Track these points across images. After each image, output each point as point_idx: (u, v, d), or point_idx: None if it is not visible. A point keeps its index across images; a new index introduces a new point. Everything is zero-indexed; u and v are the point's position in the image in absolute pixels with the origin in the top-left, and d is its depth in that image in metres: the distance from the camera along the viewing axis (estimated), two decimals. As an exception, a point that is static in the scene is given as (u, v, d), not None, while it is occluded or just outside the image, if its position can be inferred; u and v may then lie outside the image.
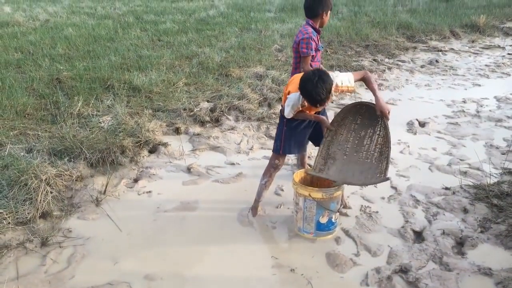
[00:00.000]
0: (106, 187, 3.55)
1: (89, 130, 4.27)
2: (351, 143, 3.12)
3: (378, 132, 3.05)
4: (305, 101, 2.79)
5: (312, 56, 3.43)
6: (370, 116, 3.05)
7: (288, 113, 2.96)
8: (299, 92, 2.76)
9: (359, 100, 3.08)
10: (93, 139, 4.04)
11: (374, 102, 2.89)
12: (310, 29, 3.39)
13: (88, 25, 9.80)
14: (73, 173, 3.60)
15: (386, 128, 2.93)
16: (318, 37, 3.44)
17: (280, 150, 3.22)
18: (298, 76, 2.89)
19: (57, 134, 4.16)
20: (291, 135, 3.18)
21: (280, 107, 3.28)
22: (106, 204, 3.40)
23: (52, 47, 7.62)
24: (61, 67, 6.28)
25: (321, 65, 3.67)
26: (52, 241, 2.91)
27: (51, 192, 3.28)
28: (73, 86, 5.48)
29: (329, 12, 3.40)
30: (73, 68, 6.22)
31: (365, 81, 2.97)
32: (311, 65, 3.47)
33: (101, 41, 8.21)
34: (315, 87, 2.60)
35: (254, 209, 3.33)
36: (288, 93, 2.94)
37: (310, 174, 3.12)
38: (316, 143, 3.44)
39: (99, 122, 4.45)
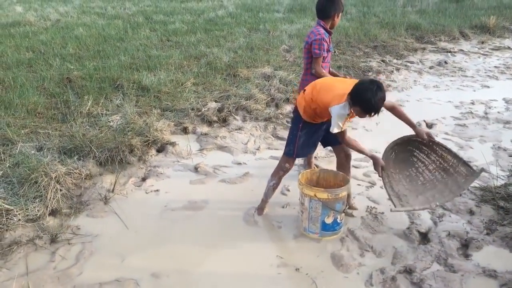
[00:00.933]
0: (114, 186, 3.60)
1: (98, 129, 4.33)
2: (409, 177, 3.21)
3: (427, 157, 3.20)
4: (350, 110, 2.79)
5: (323, 57, 3.47)
6: (407, 148, 3.21)
7: (337, 127, 2.84)
8: (343, 103, 2.74)
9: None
10: (102, 138, 4.09)
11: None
12: (322, 30, 3.45)
13: (98, 25, 9.90)
14: (82, 172, 3.66)
15: (438, 144, 3.09)
16: (330, 39, 3.50)
17: (293, 155, 3.21)
18: (331, 85, 2.91)
19: (67, 133, 4.22)
20: (305, 140, 3.17)
21: (292, 110, 3.31)
22: (114, 202, 3.45)
23: (62, 46, 7.71)
24: (72, 67, 6.36)
25: (330, 68, 3.71)
26: (61, 238, 2.96)
27: (60, 190, 3.33)
28: (83, 86, 5.56)
29: (340, 14, 3.45)
30: (83, 68, 6.30)
31: (396, 113, 3.04)
32: (322, 67, 3.52)
33: (111, 41, 8.30)
34: (375, 96, 2.63)
35: (260, 209, 3.35)
36: (320, 105, 2.91)
37: (399, 211, 2.99)
38: (325, 144, 3.47)
39: (108, 121, 4.51)
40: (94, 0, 14.82)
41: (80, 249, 2.90)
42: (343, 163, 3.33)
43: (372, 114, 2.73)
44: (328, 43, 3.47)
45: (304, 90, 3.08)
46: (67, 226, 3.11)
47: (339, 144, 3.19)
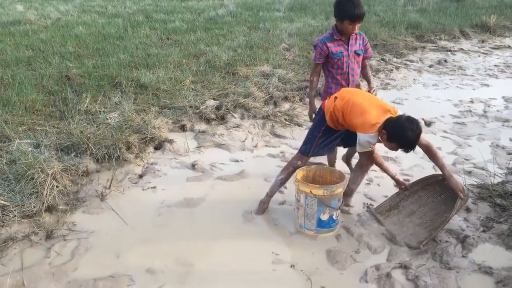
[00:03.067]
0: (111, 182, 3.60)
1: (96, 127, 4.32)
2: (423, 208, 3.23)
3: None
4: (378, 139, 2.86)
5: (333, 64, 3.36)
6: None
7: (364, 148, 2.93)
8: (373, 134, 2.80)
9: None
10: (99, 135, 4.09)
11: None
12: (327, 34, 3.35)
13: (98, 23, 9.90)
14: (79, 168, 3.66)
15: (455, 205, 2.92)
16: (340, 43, 3.31)
17: (309, 154, 3.21)
18: (364, 109, 2.86)
19: (64, 130, 4.22)
20: (324, 142, 3.18)
21: (317, 110, 3.27)
22: (111, 199, 3.45)
23: (62, 45, 7.71)
24: (71, 65, 6.36)
25: (357, 79, 3.52)
26: (57, 234, 2.96)
27: (57, 187, 3.34)
28: (81, 83, 5.56)
29: (345, 22, 3.17)
30: (82, 66, 6.29)
31: (430, 153, 2.96)
32: (333, 74, 3.41)
33: (111, 39, 8.29)
34: (414, 135, 2.72)
35: (262, 203, 3.32)
36: (350, 125, 2.94)
37: (370, 211, 3.26)
38: (345, 145, 3.47)
39: (106, 119, 4.51)
40: (95, -1, 14.83)
41: (76, 245, 2.90)
42: (365, 165, 3.25)
43: (409, 151, 2.81)
44: (329, 49, 3.30)
45: (336, 97, 3.02)
46: (63, 223, 3.11)
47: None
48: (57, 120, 4.53)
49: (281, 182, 3.33)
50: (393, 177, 3.26)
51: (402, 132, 2.71)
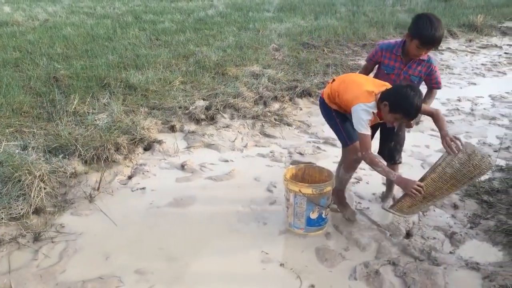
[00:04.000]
0: (99, 184, 3.58)
1: (85, 128, 4.30)
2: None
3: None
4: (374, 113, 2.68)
5: (382, 74, 3.06)
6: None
7: (365, 128, 2.68)
8: (372, 102, 2.65)
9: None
10: (88, 136, 4.07)
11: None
12: (393, 41, 3.00)
13: (87, 24, 9.84)
14: (67, 170, 3.63)
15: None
16: (398, 58, 2.94)
17: (348, 141, 2.97)
18: (359, 83, 2.76)
19: (52, 132, 4.19)
20: (345, 122, 2.98)
21: (319, 104, 3.16)
22: (100, 200, 3.43)
23: (50, 46, 7.65)
24: (59, 66, 6.31)
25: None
26: (45, 236, 2.93)
27: (44, 188, 3.30)
28: (69, 85, 5.52)
29: (414, 41, 2.76)
30: (70, 67, 6.25)
31: (435, 118, 2.78)
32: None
33: (99, 40, 8.25)
34: (419, 101, 2.52)
35: (341, 197, 3.22)
36: (344, 102, 2.82)
37: (389, 211, 2.84)
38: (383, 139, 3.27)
39: (95, 120, 4.48)
40: (84, 0, 14.73)
41: (64, 247, 2.87)
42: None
43: (413, 119, 2.71)
44: (383, 59, 2.99)
45: (334, 80, 3.01)
46: (51, 225, 3.08)
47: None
48: (44, 122, 4.50)
49: (350, 177, 3.20)
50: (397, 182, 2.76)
51: (407, 100, 2.51)
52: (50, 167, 3.54)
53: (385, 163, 2.93)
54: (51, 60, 6.67)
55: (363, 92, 2.69)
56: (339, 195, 3.25)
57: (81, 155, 3.83)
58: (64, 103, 4.88)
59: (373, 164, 2.75)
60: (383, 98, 2.63)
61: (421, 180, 2.68)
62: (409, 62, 2.93)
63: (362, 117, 2.67)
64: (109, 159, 3.91)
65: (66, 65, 6.41)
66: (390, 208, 2.84)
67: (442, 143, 2.70)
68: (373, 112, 2.68)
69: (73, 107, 4.77)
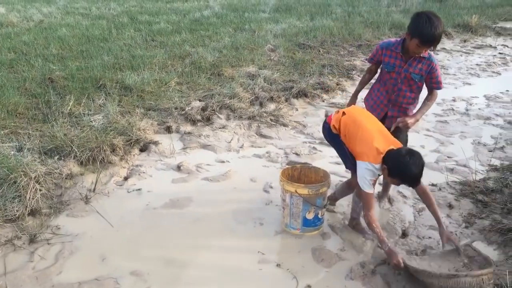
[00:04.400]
0: (95, 185, 3.57)
1: (80, 129, 4.28)
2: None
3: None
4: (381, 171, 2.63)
5: (383, 74, 3.07)
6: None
7: (368, 187, 2.64)
8: (378, 164, 2.59)
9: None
10: (83, 137, 4.05)
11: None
12: (393, 40, 3.01)
13: (82, 25, 9.80)
14: (63, 171, 3.62)
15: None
16: (398, 56, 2.92)
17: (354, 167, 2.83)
18: (370, 136, 2.65)
19: (48, 133, 4.17)
20: None
21: (323, 129, 3.05)
22: (96, 201, 3.43)
23: (45, 47, 7.62)
24: (54, 67, 6.28)
25: (405, 105, 3.05)
26: (40, 238, 2.93)
27: (40, 190, 3.29)
28: (65, 86, 5.50)
29: (414, 39, 2.74)
30: (65, 68, 6.23)
31: (425, 198, 2.77)
32: (380, 85, 3.11)
33: (95, 41, 8.22)
34: (418, 169, 2.51)
35: (359, 228, 3.09)
36: (352, 150, 2.75)
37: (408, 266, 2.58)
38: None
39: (90, 121, 4.47)
40: (79, 1, 14.68)
41: (60, 248, 2.87)
42: (353, 186, 3.02)
43: (412, 186, 2.70)
44: (384, 57, 2.99)
45: (344, 113, 2.83)
46: (47, 226, 3.08)
47: None
48: (40, 123, 4.48)
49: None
50: (387, 251, 2.64)
51: (405, 168, 2.50)
52: (46, 168, 3.53)
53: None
54: (46, 61, 6.64)
55: (372, 151, 2.60)
56: (356, 227, 3.09)
57: (76, 156, 3.82)
58: (59, 104, 4.87)
59: (370, 227, 2.71)
60: (385, 161, 2.58)
61: (416, 271, 2.51)
62: (409, 59, 2.90)
63: (366, 177, 2.63)
64: (105, 160, 3.90)
65: (62, 66, 6.39)
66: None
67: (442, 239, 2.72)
68: (378, 174, 2.65)
69: (69, 108, 4.76)
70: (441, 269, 2.57)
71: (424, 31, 2.68)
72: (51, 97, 5.05)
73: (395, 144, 2.69)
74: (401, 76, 2.96)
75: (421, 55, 2.87)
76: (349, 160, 2.88)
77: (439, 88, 3.02)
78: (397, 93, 3.02)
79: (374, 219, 2.68)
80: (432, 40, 2.71)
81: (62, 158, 3.81)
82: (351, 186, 3.11)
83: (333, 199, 3.33)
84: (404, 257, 2.61)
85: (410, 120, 2.90)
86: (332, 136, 2.94)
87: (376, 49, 3.08)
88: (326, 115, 5.32)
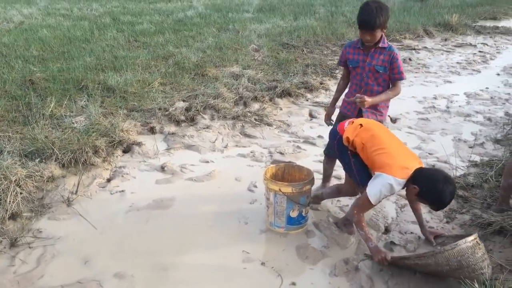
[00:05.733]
0: (77, 187, 3.53)
1: (62, 131, 4.23)
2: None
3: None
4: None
5: (351, 72, 3.15)
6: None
7: (378, 200, 2.56)
8: (403, 180, 2.50)
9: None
10: (65, 139, 4.01)
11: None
12: (356, 39, 3.12)
13: (63, 26, 9.68)
14: (44, 174, 3.57)
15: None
16: (359, 51, 3.03)
17: (360, 184, 2.84)
18: (395, 152, 2.58)
19: (28, 135, 4.10)
20: (360, 164, 2.78)
21: (333, 137, 2.95)
22: (78, 204, 3.38)
23: (25, 48, 7.50)
24: (35, 69, 6.19)
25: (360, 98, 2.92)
26: (22, 242, 2.88)
27: (21, 193, 3.24)
28: (46, 87, 5.42)
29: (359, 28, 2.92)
30: (46, 69, 6.14)
31: (416, 209, 2.88)
32: (353, 84, 3.17)
33: (76, 42, 8.13)
34: (451, 197, 2.47)
35: (349, 225, 3.05)
36: (371, 161, 2.63)
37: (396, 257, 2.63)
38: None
39: (72, 123, 4.42)
40: (60, 2, 14.49)
41: (42, 252, 2.82)
42: (344, 193, 3.18)
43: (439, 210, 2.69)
44: (348, 55, 3.09)
45: (361, 125, 2.74)
46: (28, 230, 3.03)
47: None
48: (20, 126, 4.41)
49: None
50: (372, 248, 2.67)
51: (440, 196, 2.43)
52: (27, 171, 3.48)
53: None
54: (26, 63, 6.54)
55: (398, 165, 2.51)
56: (347, 226, 3.06)
57: (58, 158, 3.77)
58: (40, 106, 4.80)
59: (358, 226, 2.71)
60: (416, 181, 2.49)
61: (404, 258, 2.57)
62: (369, 52, 2.98)
63: (382, 191, 2.50)
64: (87, 162, 3.85)
65: (42, 67, 6.30)
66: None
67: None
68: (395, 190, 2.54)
69: (50, 110, 4.69)
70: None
71: (358, 17, 2.88)
72: (32, 99, 4.98)
73: (419, 160, 2.65)
74: (366, 70, 3.03)
75: (380, 46, 2.95)
76: (354, 175, 2.84)
77: (402, 78, 3.04)
78: (365, 88, 3.07)
79: (363, 219, 2.72)
80: (363, 25, 2.84)
81: (43, 160, 3.75)
82: (341, 192, 3.16)
83: (319, 198, 3.35)
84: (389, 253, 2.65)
85: (368, 99, 2.88)
86: (343, 149, 2.83)
87: (342, 51, 3.18)
88: (311, 115, 5.38)
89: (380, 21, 2.81)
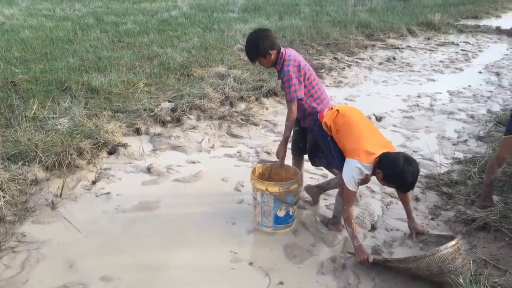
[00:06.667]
0: (62, 190, 3.48)
1: (45, 133, 4.17)
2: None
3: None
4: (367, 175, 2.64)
5: None
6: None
7: (353, 185, 2.64)
8: (369, 164, 2.59)
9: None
10: (48, 142, 3.95)
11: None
12: None
13: (46, 27, 9.54)
14: (28, 177, 3.51)
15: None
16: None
17: (340, 168, 2.82)
18: (362, 133, 2.70)
19: (11, 138, 4.03)
20: (339, 150, 2.83)
21: (314, 123, 3.05)
22: (63, 207, 3.34)
23: (7, 50, 7.37)
24: (17, 70, 6.09)
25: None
26: (5, 246, 2.83)
27: (4, 197, 3.19)
28: (28, 89, 5.34)
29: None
30: (28, 71, 6.05)
31: (404, 197, 2.90)
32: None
33: (59, 43, 8.02)
34: (413, 177, 2.50)
35: (336, 223, 3.10)
36: (342, 147, 2.75)
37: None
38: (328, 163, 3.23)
39: (56, 125, 4.36)
40: (42, 2, 14.27)
41: (26, 256, 2.78)
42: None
43: (406, 192, 2.74)
44: None
45: (338, 111, 2.85)
46: (12, 234, 2.97)
47: None
48: (2, 128, 4.33)
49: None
50: (357, 246, 2.71)
51: (401, 175, 2.50)
52: (9, 174, 3.42)
53: None
54: (8, 64, 6.42)
55: (363, 150, 2.61)
56: (335, 225, 3.09)
57: (41, 161, 3.71)
58: (22, 108, 4.72)
59: (347, 222, 2.73)
60: (379, 165, 2.58)
61: (386, 261, 2.61)
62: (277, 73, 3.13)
63: (354, 175, 2.62)
64: (72, 165, 3.80)
65: (24, 69, 6.20)
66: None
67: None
68: (366, 174, 2.64)
69: (33, 112, 4.62)
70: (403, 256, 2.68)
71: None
72: (14, 101, 4.89)
73: (388, 146, 2.72)
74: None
75: (277, 67, 3.05)
76: (334, 160, 2.89)
77: (287, 99, 3.05)
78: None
79: (353, 216, 2.74)
80: (248, 58, 3.08)
81: (27, 163, 3.69)
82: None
83: (323, 189, 3.31)
84: (372, 253, 2.69)
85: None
86: (323, 134, 2.92)
87: None
88: None
89: (253, 55, 2.99)
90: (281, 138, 4.63)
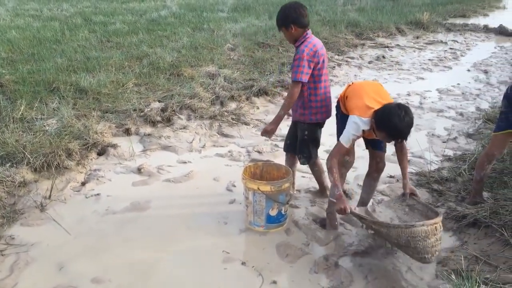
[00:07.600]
0: (51, 192, 3.44)
1: (33, 134, 4.10)
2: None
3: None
4: (369, 129, 2.65)
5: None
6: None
7: (348, 140, 2.68)
8: (366, 118, 2.61)
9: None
10: (37, 143, 3.89)
11: None
12: None
13: (33, 27, 9.40)
14: (16, 179, 3.45)
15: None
16: None
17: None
18: (363, 93, 2.73)
19: (-2, 140, 3.97)
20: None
21: (336, 107, 3.07)
22: (52, 209, 3.29)
23: (-7, 50, 7.26)
24: (3, 71, 5.99)
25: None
26: (-7, 250, 2.78)
27: (-9, 200, 3.14)
28: (15, 90, 5.25)
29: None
30: (16, 72, 5.95)
31: (401, 154, 2.83)
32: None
33: (47, 43, 7.91)
34: (402, 121, 2.46)
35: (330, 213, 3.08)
36: (347, 108, 2.79)
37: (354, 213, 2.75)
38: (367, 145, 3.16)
39: (44, 126, 4.30)
40: (29, 2, 14.06)
41: (15, 259, 2.73)
42: (372, 173, 3.14)
43: (399, 140, 2.66)
44: None
45: (351, 83, 2.97)
46: (0, 237, 2.92)
47: (380, 150, 3.01)
48: (-11, 130, 4.25)
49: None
50: (337, 196, 2.74)
51: (388, 119, 2.47)
52: (-3, 177, 3.36)
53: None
54: (-6, 65, 6.32)
55: (362, 105, 2.64)
56: (328, 216, 3.09)
57: (30, 162, 3.66)
58: (10, 109, 4.64)
59: (330, 171, 2.74)
60: (374, 115, 2.59)
61: (362, 218, 2.67)
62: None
63: (350, 131, 2.66)
64: (61, 166, 3.76)
65: (12, 69, 6.10)
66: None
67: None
68: (363, 130, 2.65)
69: (20, 113, 4.55)
70: (384, 215, 2.75)
71: None
72: (1, 102, 4.80)
73: (389, 101, 2.71)
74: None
75: (295, 45, 3.03)
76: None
77: (292, 78, 3.01)
78: None
79: (336, 166, 2.74)
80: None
81: (14, 165, 3.63)
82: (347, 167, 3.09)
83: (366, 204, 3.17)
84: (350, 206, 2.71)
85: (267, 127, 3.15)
86: (340, 113, 3.00)
87: None
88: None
89: (278, 22, 3.01)
90: (272, 137, 4.64)
